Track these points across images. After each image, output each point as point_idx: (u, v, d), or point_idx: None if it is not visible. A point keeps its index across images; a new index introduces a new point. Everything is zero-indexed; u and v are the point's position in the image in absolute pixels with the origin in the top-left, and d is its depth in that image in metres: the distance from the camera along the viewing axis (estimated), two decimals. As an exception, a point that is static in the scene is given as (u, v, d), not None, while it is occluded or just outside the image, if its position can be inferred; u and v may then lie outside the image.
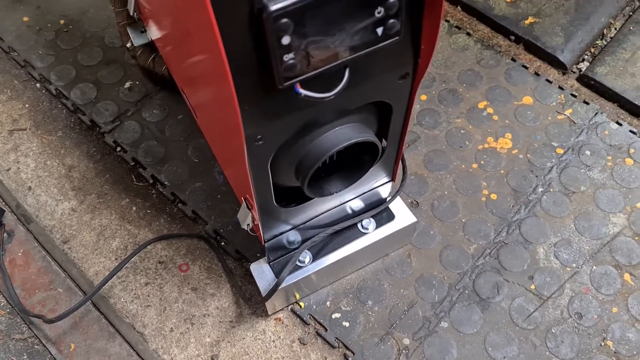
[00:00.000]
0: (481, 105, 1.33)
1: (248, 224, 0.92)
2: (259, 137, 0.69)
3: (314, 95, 0.63)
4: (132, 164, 1.25)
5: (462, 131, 1.29)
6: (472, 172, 1.23)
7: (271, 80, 0.60)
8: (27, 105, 1.35)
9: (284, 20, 0.54)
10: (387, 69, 0.71)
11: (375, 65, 0.69)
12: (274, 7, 0.53)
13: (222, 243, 1.16)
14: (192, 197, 1.20)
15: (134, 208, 1.21)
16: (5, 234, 1.16)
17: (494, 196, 1.20)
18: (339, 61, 0.61)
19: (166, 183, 1.22)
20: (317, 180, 0.84)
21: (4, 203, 1.21)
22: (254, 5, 0.54)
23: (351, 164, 0.84)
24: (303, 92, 0.62)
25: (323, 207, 0.97)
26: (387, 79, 0.72)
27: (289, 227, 0.95)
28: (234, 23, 0.55)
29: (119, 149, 1.27)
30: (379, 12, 0.59)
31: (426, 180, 1.22)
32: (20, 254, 1.15)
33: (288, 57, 0.57)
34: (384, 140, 0.87)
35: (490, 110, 1.32)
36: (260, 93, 0.63)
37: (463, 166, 1.24)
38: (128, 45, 1.32)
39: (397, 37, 0.63)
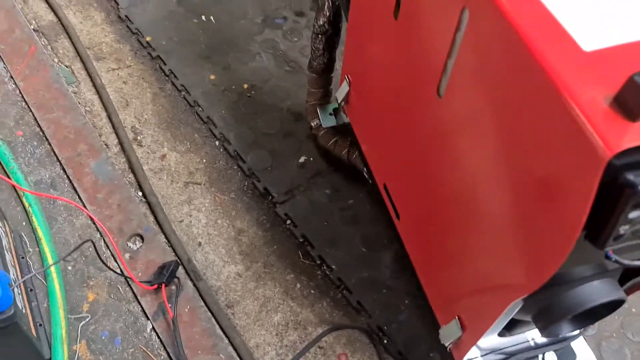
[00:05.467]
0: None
1: (450, 342, 0.91)
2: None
3: (624, 262, 0.63)
4: (301, 240, 1.27)
5: None
6: (644, 318, 1.19)
7: (589, 237, 0.60)
8: (204, 161, 1.40)
9: (642, 199, 0.55)
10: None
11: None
12: (640, 187, 0.54)
13: (385, 341, 1.15)
14: (358, 287, 1.21)
15: (298, 285, 1.22)
16: (175, 287, 1.18)
17: (666, 349, 1.15)
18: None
19: (333, 267, 1.23)
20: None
21: (175, 255, 1.24)
22: (617, 176, 0.55)
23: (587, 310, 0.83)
24: (615, 257, 0.62)
25: (512, 339, 0.96)
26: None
27: (481, 352, 0.94)
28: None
29: (289, 222, 1.30)
30: None
31: (594, 317, 1.19)
32: (187, 310, 1.17)
33: (624, 229, 0.58)
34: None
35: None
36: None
37: None
38: (313, 123, 1.38)
39: None
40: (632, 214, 0.56)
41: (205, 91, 1.51)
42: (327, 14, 1.20)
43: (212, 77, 1.54)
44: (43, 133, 1.41)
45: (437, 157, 0.84)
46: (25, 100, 1.46)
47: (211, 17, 1.66)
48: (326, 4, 1.19)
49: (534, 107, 0.60)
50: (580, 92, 0.53)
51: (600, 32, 0.58)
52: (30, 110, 1.45)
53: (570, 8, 0.60)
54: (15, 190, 1.31)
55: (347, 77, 1.17)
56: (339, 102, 1.21)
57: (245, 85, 1.53)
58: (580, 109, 0.52)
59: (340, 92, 1.20)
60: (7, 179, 1.20)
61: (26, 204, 1.28)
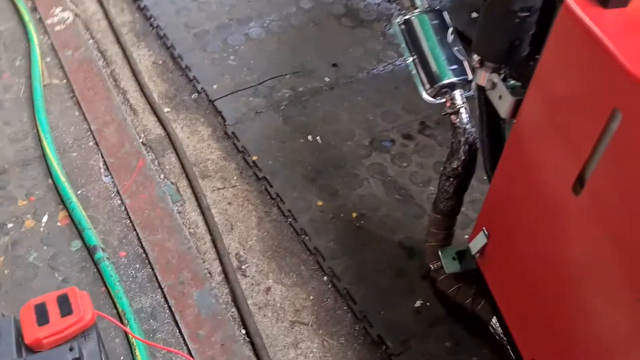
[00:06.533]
0: None
1: None
2: None
3: None
4: (421, 402, 1.14)
5: None
6: None
7: None
8: (311, 297, 1.31)
9: None
10: None
11: None
12: None
13: None
14: None
15: None
16: None
17: None
18: None
19: None
20: None
21: (282, 410, 1.13)
22: None
23: None
24: None
25: None
26: None
27: None
28: None
29: (405, 378, 1.17)
30: None
31: None
32: None
33: None
34: None
35: None
36: None
37: None
38: (432, 266, 1.27)
39: None
40: None
41: (313, 218, 1.44)
42: (463, 157, 1.12)
43: (320, 203, 1.47)
44: (146, 255, 1.37)
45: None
46: (130, 219, 1.43)
47: (317, 138, 1.62)
48: (462, 147, 1.12)
49: None
50: None
51: None
52: (135, 230, 1.41)
53: None
54: (118, 315, 1.25)
55: (485, 229, 1.07)
56: (473, 253, 1.11)
57: (354, 214, 1.45)
58: None
59: (475, 243, 1.09)
60: (122, 325, 1.13)
61: (131, 338, 1.20)
